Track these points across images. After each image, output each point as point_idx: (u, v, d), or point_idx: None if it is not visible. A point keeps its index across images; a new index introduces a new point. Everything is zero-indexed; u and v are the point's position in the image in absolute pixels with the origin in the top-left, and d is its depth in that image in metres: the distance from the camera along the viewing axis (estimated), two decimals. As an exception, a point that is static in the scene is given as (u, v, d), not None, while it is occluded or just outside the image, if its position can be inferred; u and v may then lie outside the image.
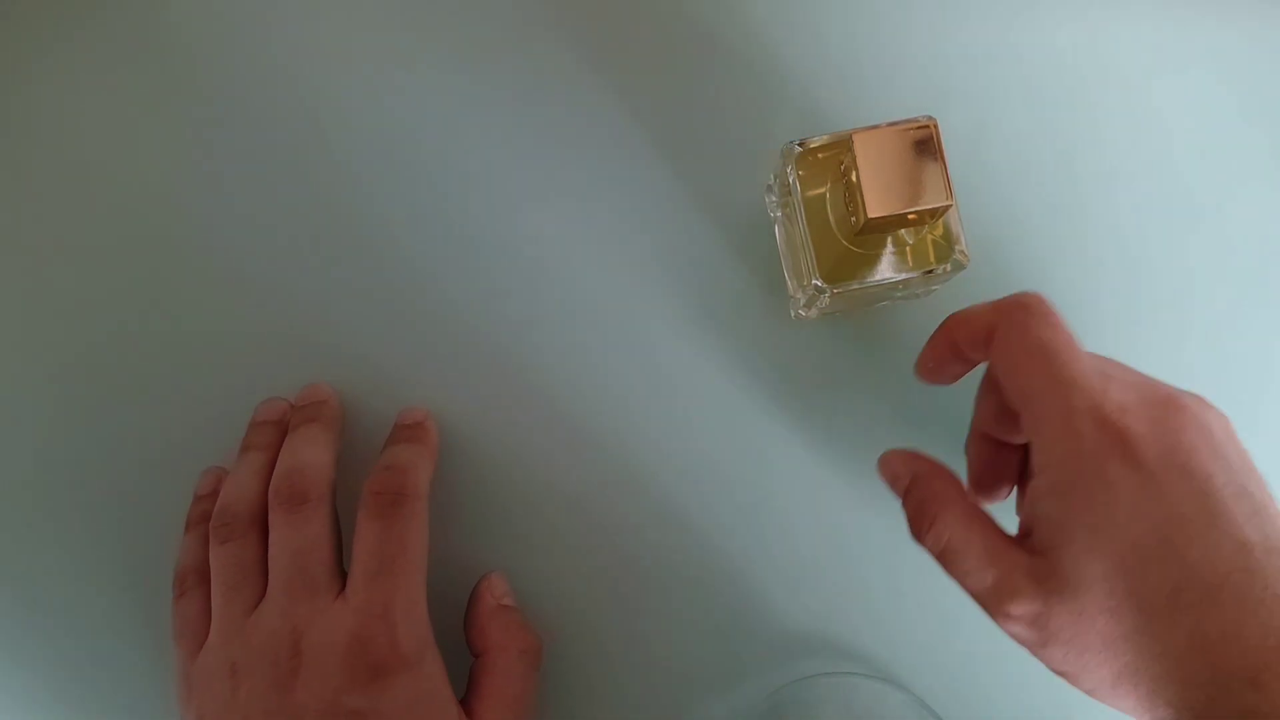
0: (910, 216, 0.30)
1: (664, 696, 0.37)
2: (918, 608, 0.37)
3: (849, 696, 0.36)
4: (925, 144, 0.30)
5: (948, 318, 0.32)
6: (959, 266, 0.33)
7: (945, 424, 0.37)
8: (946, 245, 0.32)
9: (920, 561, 0.37)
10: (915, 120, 0.30)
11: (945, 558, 0.30)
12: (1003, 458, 0.33)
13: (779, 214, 0.36)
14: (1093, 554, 0.26)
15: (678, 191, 0.38)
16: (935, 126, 0.30)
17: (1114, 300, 0.38)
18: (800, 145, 0.32)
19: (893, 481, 0.32)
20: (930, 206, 0.29)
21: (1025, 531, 0.29)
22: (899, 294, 0.35)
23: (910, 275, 0.33)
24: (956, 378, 0.34)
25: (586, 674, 0.37)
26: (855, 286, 0.32)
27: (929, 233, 0.33)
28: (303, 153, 0.38)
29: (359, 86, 0.38)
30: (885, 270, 0.32)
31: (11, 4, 0.38)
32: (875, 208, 0.29)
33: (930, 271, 0.32)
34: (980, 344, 0.31)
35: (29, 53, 0.38)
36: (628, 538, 0.37)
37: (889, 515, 0.37)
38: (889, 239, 0.32)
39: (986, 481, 0.34)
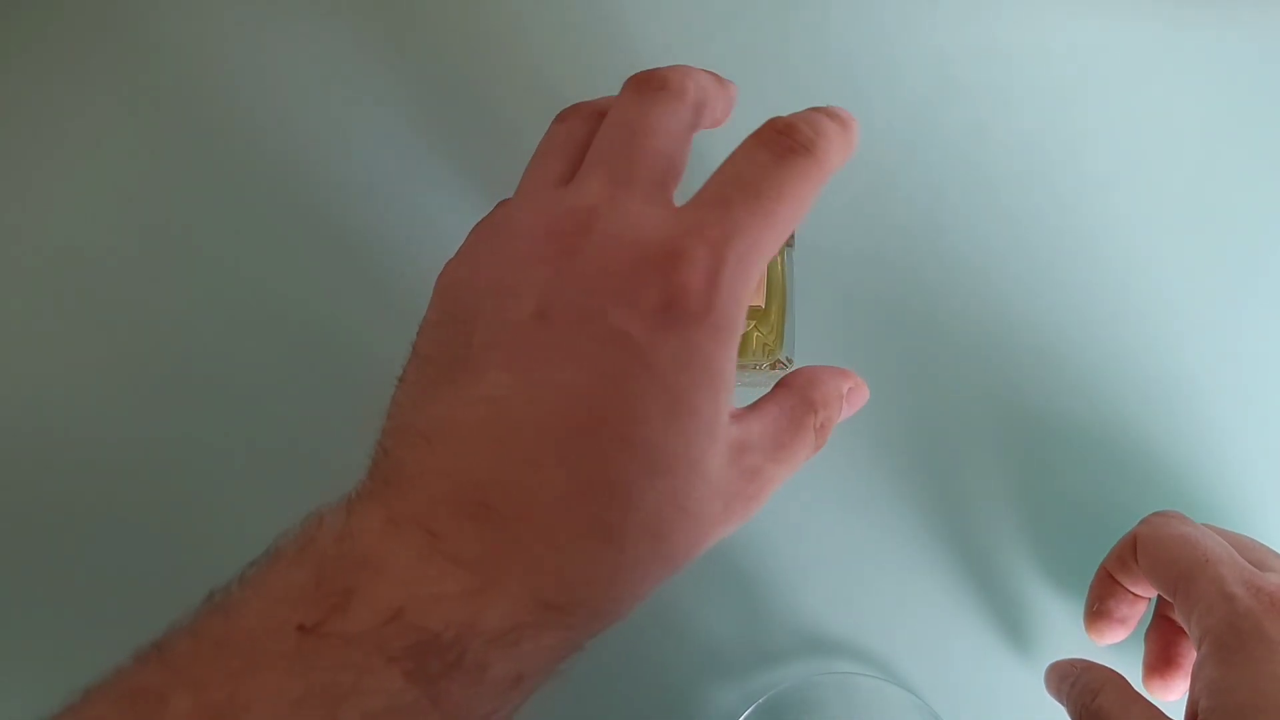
0: None
1: (663, 696, 0.37)
2: (918, 608, 0.37)
3: (849, 696, 0.36)
4: None
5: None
6: (780, 367, 0.31)
7: (944, 411, 0.37)
8: (775, 345, 0.31)
9: (920, 561, 0.37)
10: None
11: None
12: (1179, 646, 0.34)
13: None
14: (1263, 715, 0.27)
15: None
16: None
17: (1115, 299, 0.38)
18: None
19: (1059, 680, 0.33)
20: None
21: (1192, 714, 0.29)
22: (741, 381, 0.35)
23: None
24: (1123, 620, 0.35)
25: (585, 673, 0.37)
26: None
27: (754, 329, 0.31)
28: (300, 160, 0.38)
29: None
30: None
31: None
32: None
33: (745, 366, 0.31)
34: (1128, 558, 0.33)
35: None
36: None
37: (889, 515, 0.37)
38: None
39: (1159, 666, 0.35)
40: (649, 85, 0.26)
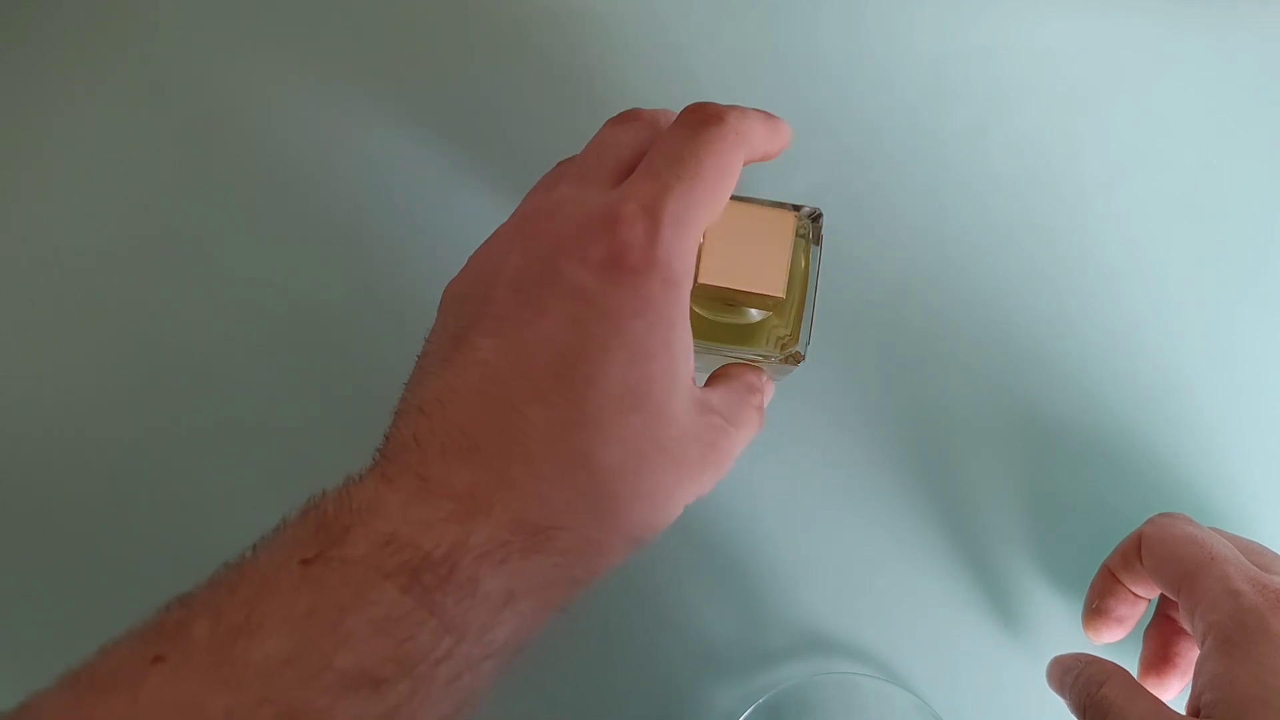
0: (741, 295, 0.30)
1: (664, 696, 0.37)
2: (918, 608, 0.37)
3: (849, 696, 0.36)
4: (781, 229, 0.29)
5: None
6: (792, 360, 0.31)
7: (943, 411, 0.37)
8: (790, 339, 0.31)
9: (920, 561, 0.37)
10: (787, 205, 0.30)
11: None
12: (1178, 645, 0.35)
13: None
14: (1267, 707, 0.27)
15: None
16: (801, 217, 0.30)
17: (1115, 299, 0.38)
18: None
19: (1062, 673, 0.33)
20: (759, 292, 0.29)
21: (1194, 709, 0.29)
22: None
23: (738, 353, 0.31)
24: (1121, 620, 0.35)
25: (586, 672, 0.37)
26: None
27: (772, 319, 0.31)
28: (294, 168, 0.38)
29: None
30: (724, 341, 0.31)
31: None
32: (706, 275, 0.29)
33: (761, 357, 0.31)
34: (1131, 557, 0.33)
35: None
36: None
37: (889, 515, 0.37)
38: (741, 315, 0.32)
39: (1156, 664, 0.35)
40: (696, 113, 0.28)
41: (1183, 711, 0.29)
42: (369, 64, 0.39)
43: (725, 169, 0.27)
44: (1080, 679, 0.31)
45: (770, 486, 0.37)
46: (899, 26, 0.39)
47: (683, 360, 0.26)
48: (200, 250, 0.38)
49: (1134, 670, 0.35)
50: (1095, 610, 0.35)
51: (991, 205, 0.38)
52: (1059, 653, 0.35)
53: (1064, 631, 0.37)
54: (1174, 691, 0.34)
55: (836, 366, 0.38)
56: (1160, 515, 0.34)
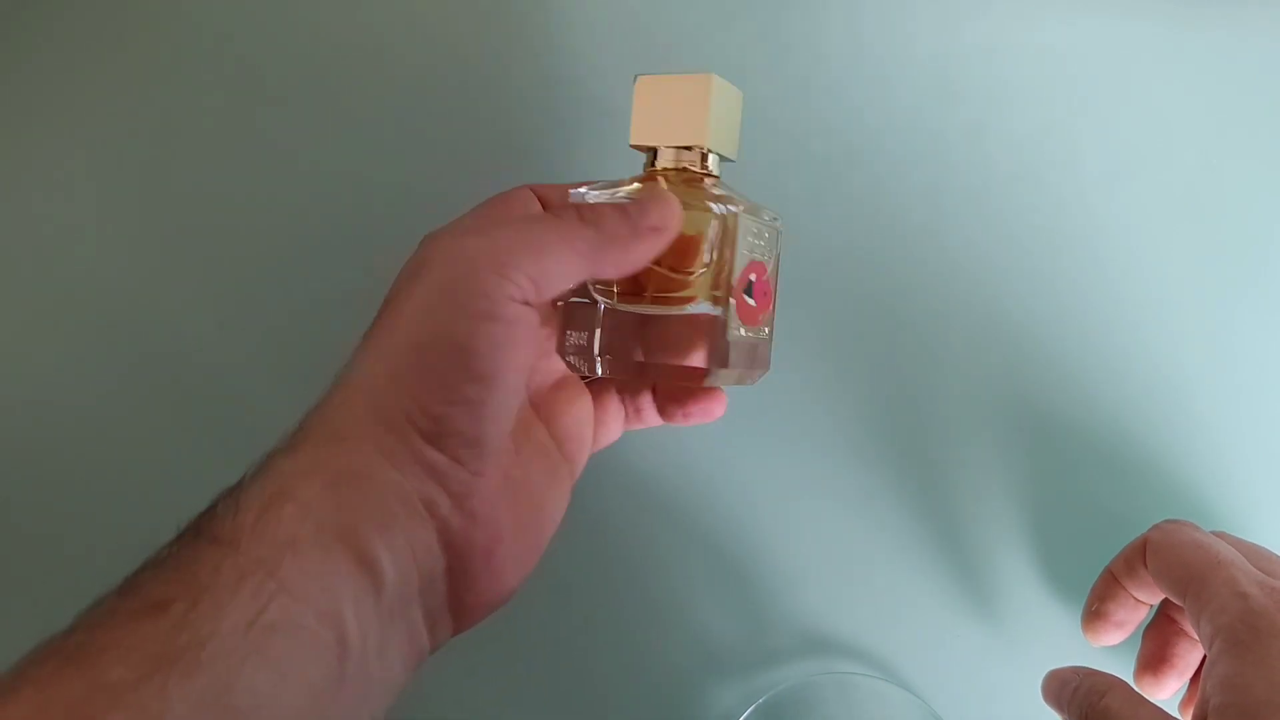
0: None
1: (665, 695, 0.37)
2: (918, 608, 0.37)
3: (849, 696, 0.36)
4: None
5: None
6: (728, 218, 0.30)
7: (943, 412, 0.38)
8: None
9: (920, 562, 0.37)
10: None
11: None
12: (1177, 646, 0.35)
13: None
14: (1273, 708, 0.27)
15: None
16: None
17: (1115, 300, 0.38)
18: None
19: (1060, 686, 0.33)
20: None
21: (1201, 714, 0.29)
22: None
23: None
24: (1121, 624, 0.35)
25: (588, 672, 0.37)
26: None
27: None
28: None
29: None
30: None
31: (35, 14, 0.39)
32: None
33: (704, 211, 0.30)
34: (1135, 562, 0.34)
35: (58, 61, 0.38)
36: (630, 538, 0.37)
37: (889, 516, 0.37)
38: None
39: (1154, 664, 0.35)
40: None
41: (1185, 717, 0.29)
42: (364, 70, 0.39)
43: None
44: (1080, 692, 0.31)
45: (770, 487, 0.38)
46: (899, 26, 0.38)
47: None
48: (198, 247, 0.38)
49: (1128, 674, 0.35)
50: (1095, 613, 0.35)
51: (991, 205, 0.38)
52: (1056, 653, 0.35)
53: (1061, 632, 0.37)
54: (1169, 691, 0.34)
55: (836, 366, 0.38)
56: (1166, 521, 0.34)
